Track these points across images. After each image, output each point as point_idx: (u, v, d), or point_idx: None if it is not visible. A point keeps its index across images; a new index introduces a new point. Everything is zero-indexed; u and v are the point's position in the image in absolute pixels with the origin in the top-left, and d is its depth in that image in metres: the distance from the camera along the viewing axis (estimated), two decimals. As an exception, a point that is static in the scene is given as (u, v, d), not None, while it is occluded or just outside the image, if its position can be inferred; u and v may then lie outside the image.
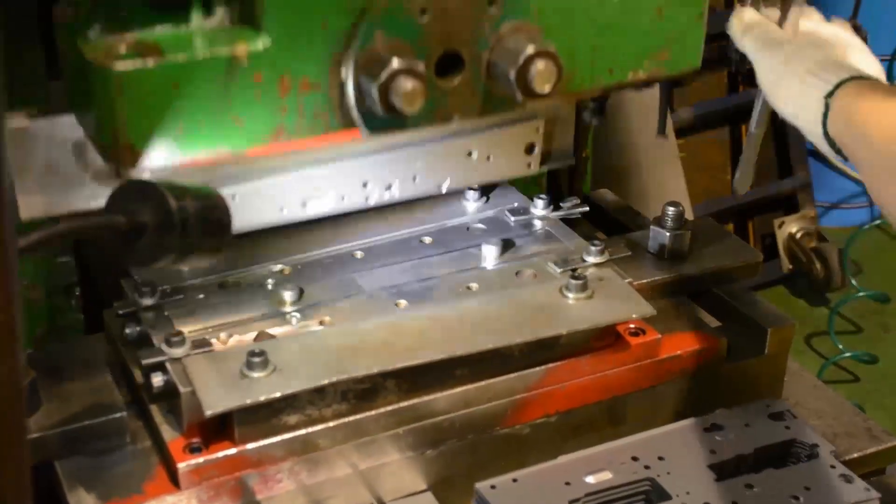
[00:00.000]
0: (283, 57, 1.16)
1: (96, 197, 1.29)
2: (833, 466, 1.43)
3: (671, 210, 1.64)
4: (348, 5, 1.16)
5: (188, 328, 1.39)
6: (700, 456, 1.43)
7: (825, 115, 1.27)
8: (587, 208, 1.70)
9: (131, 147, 1.11)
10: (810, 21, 1.41)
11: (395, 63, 1.14)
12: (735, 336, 1.56)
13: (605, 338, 1.48)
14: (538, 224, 1.66)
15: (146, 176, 1.17)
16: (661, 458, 1.42)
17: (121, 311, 1.43)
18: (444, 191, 1.58)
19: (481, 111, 1.26)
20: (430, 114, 1.22)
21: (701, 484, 1.39)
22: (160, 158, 1.13)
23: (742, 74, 3.64)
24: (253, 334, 1.41)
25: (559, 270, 1.54)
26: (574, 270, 1.51)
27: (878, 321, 3.73)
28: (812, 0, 1.43)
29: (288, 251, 1.56)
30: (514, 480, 1.36)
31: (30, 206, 1.27)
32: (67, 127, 1.26)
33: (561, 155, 1.72)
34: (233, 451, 1.30)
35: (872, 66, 1.34)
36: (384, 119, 1.18)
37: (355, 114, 1.18)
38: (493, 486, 1.35)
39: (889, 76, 3.78)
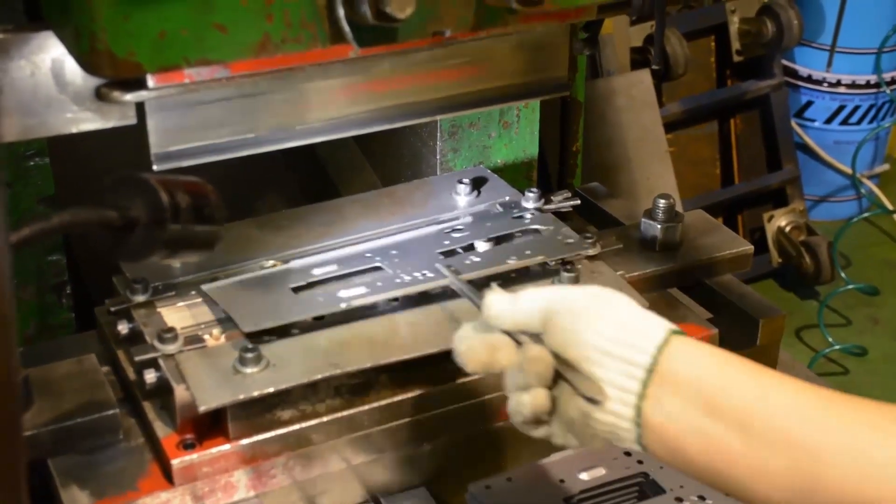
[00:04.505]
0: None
1: (77, 122, 1.24)
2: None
3: (662, 202, 1.64)
4: None
5: (180, 324, 1.39)
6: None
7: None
8: (578, 201, 1.69)
9: (110, 53, 1.08)
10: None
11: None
12: (727, 327, 1.56)
13: (598, 330, 1.47)
14: (529, 217, 1.65)
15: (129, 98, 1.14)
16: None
17: (112, 308, 1.43)
18: None
19: (475, 23, 1.22)
20: (422, 25, 1.18)
21: (695, 476, 1.39)
22: (141, 68, 1.09)
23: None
24: (245, 330, 1.41)
25: (551, 264, 1.54)
26: (566, 264, 1.51)
27: (867, 314, 3.74)
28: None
29: (279, 247, 1.56)
30: (509, 479, 1.36)
31: (6, 128, 1.21)
32: (46, 43, 1.20)
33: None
34: (226, 446, 1.30)
35: None
36: (374, 29, 1.13)
37: (344, 24, 1.14)
38: (487, 487, 1.35)
39: (876, 70, 3.78)
